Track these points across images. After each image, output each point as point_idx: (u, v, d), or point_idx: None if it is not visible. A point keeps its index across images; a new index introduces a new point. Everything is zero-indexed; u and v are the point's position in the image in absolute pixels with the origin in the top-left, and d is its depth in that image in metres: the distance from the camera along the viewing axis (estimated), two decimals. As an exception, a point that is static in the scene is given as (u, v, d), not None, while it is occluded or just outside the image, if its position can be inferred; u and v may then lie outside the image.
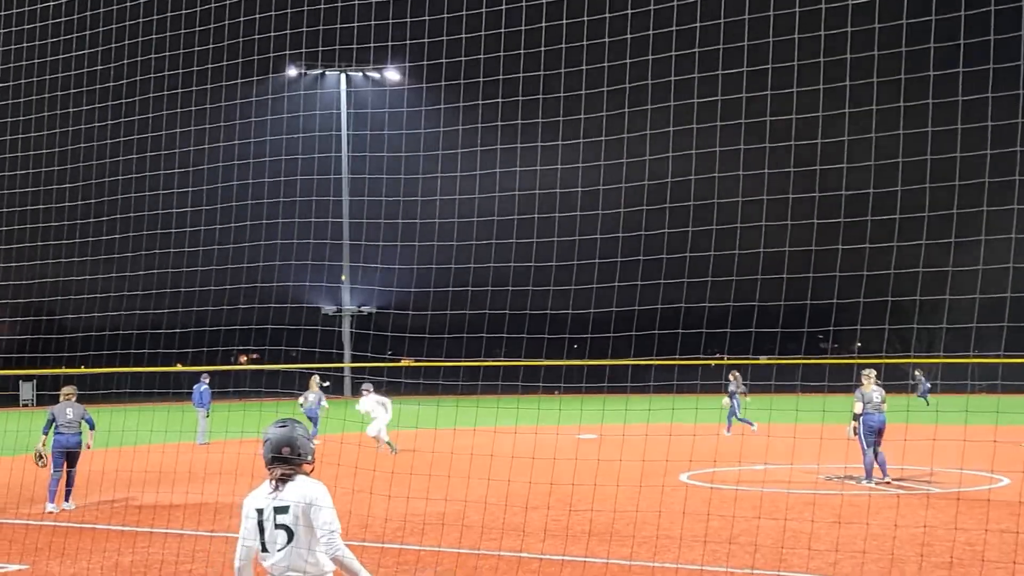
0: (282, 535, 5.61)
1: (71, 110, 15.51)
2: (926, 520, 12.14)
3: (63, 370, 29.88)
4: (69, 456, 15.51)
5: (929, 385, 45.94)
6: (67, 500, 15.46)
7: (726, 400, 28.60)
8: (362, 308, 59.72)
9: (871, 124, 9.80)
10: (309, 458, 5.77)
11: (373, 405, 23.97)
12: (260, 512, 5.68)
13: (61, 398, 15.97)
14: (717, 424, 25.29)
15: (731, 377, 28.55)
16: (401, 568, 10.62)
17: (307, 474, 5.78)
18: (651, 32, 10.00)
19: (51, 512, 15.07)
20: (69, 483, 15.53)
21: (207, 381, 28.08)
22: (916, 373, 46.33)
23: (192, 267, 16.80)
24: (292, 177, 15.08)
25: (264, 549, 5.65)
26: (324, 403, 28.18)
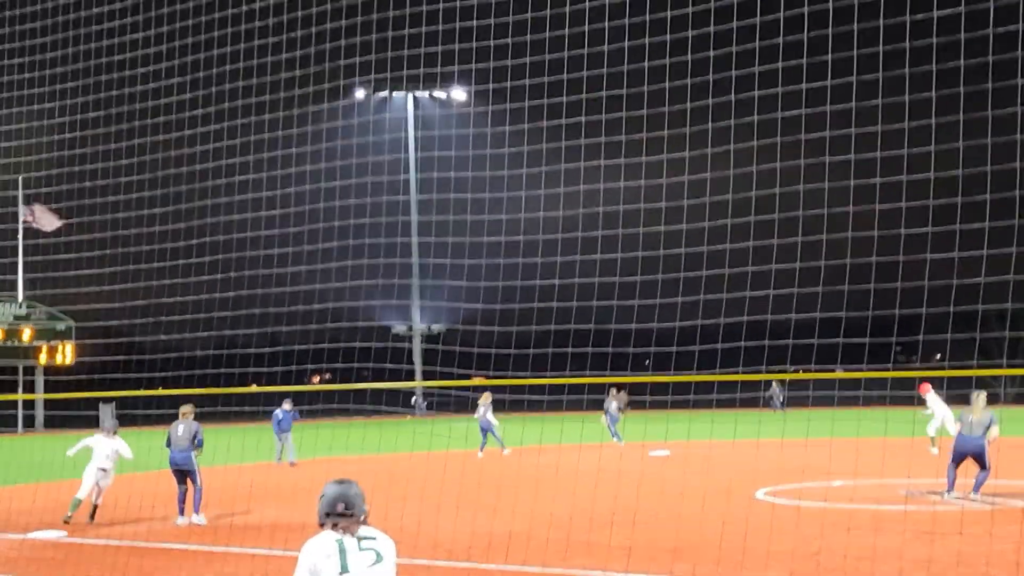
0: (370, 555, 5.77)
1: (147, 139, 15.99)
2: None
3: (141, 391, 30.60)
4: (178, 474, 16.04)
5: (783, 398, 47.67)
6: (196, 513, 15.95)
7: (604, 419, 30.57)
8: (432, 328, 60.13)
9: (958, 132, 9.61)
10: (362, 518, 5.95)
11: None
12: (340, 542, 5.82)
13: (180, 416, 16.45)
14: (785, 439, 25.01)
15: (612, 393, 30.10)
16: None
17: None
18: (711, 52, 10.06)
19: (179, 525, 15.66)
20: (196, 497, 15.99)
21: (287, 407, 27.50)
22: (773, 385, 46.41)
23: (267, 288, 17.15)
24: (362, 200, 15.36)
25: (344, 571, 5.74)
26: (491, 418, 28.73)
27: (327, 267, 16.90)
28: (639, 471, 13.20)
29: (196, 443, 16.09)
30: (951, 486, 16.61)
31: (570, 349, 15.56)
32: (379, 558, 5.79)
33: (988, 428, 16.47)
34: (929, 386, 26.38)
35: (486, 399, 28.55)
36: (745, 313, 11.98)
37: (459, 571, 11.51)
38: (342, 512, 5.90)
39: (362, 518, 5.98)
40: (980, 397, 16.80)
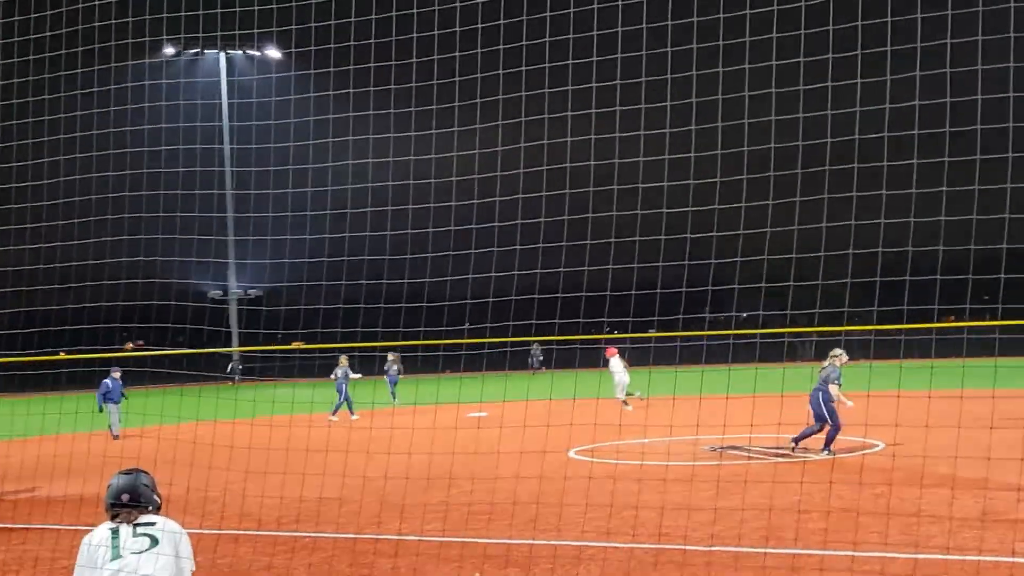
0: (144, 540, 5.68)
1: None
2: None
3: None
4: None
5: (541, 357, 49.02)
6: None
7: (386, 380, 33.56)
8: (249, 292, 58.78)
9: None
10: (150, 508, 5.89)
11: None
12: (114, 531, 5.73)
13: None
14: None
15: (391, 356, 33.18)
16: (295, 555, 10.61)
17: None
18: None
19: None
20: None
21: (118, 375, 26.34)
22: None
23: (82, 261, 16.20)
24: (173, 169, 14.66)
25: (115, 557, 5.61)
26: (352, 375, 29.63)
27: (139, 239, 16.09)
28: (455, 433, 13.26)
29: None
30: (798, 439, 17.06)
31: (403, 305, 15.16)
32: (153, 543, 5.68)
33: (827, 382, 17.22)
34: (615, 350, 28.95)
35: (343, 362, 29.28)
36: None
37: (266, 539, 11.35)
38: (126, 503, 5.82)
39: (151, 508, 5.90)
40: (833, 352, 17.72)
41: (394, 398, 32.72)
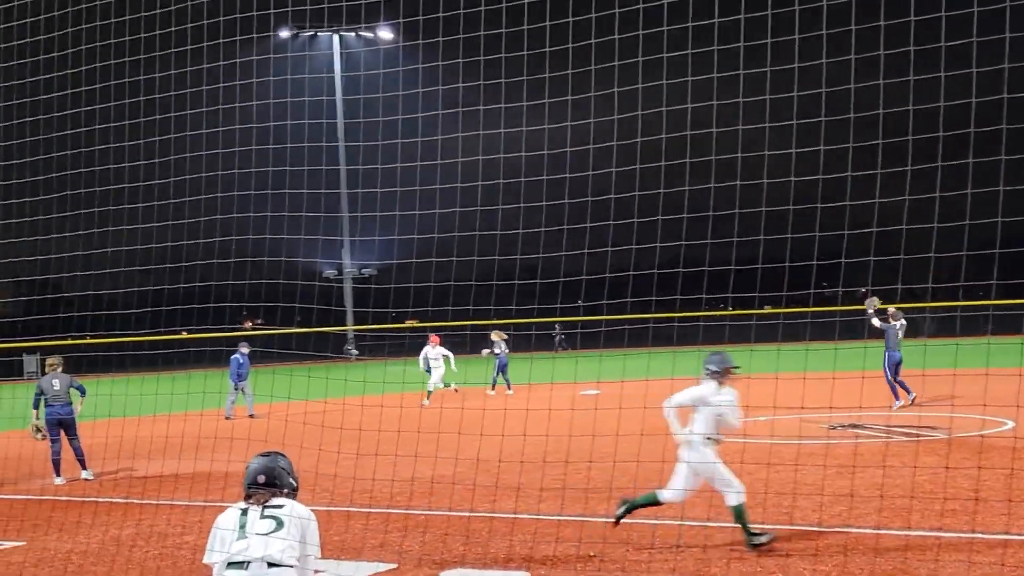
0: (270, 522, 5.69)
1: (64, 73, 15.14)
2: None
3: (67, 342, 29.80)
4: (63, 426, 15.48)
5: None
6: (85, 470, 15.51)
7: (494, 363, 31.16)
8: (363, 271, 59.56)
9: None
10: (286, 491, 5.91)
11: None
12: (244, 511, 5.77)
13: (47, 370, 15.98)
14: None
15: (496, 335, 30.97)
16: (409, 534, 10.56)
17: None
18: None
19: (60, 485, 15.07)
20: (79, 454, 15.50)
21: (246, 351, 26.05)
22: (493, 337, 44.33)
23: (193, 239, 16.43)
24: (282, 145, 14.68)
25: (241, 538, 5.65)
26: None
27: (256, 215, 16.23)
28: (570, 411, 13.06)
29: (81, 392, 15.75)
30: (909, 391, 19.83)
31: (516, 282, 14.89)
32: (279, 525, 5.68)
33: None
34: (438, 339, 28.51)
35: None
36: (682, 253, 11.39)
37: (378, 516, 11.32)
38: (262, 484, 5.87)
39: (286, 491, 5.90)
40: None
41: (505, 383, 30.17)
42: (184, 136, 14.10)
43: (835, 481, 12.01)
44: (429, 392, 26.92)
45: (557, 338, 52.13)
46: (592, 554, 9.34)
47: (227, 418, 24.31)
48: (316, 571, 5.94)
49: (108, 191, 15.62)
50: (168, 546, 10.45)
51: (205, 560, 5.80)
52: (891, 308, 20.86)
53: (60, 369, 15.84)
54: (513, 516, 11.08)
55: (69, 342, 29.50)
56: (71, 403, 15.65)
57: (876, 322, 20.58)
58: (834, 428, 17.29)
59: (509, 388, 29.11)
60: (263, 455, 6.07)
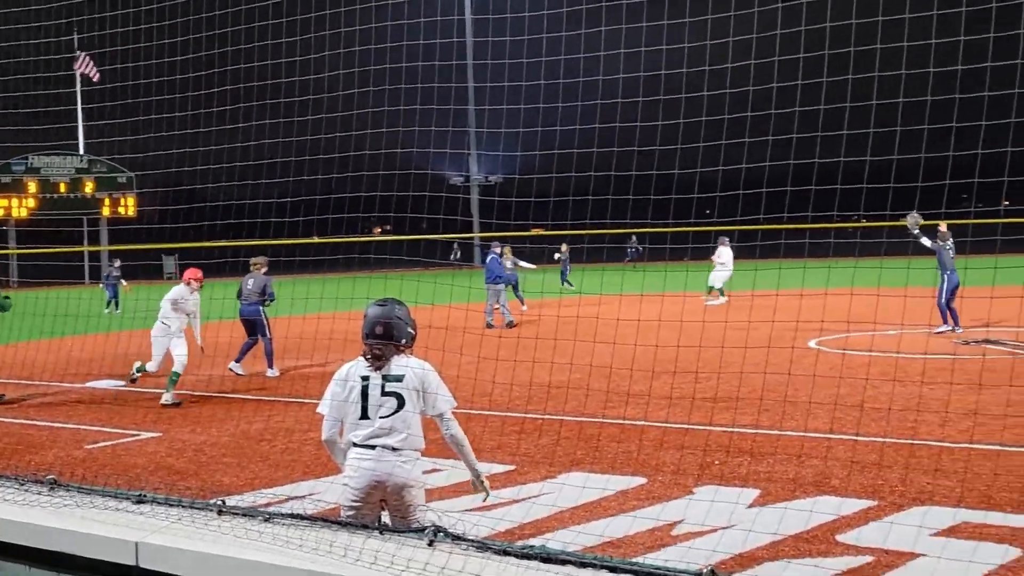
0: (391, 401, 5.54)
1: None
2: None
3: (202, 243, 30.80)
4: (247, 325, 16.02)
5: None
6: (270, 368, 15.97)
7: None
8: (489, 178, 59.63)
9: None
10: (403, 341, 5.66)
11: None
12: (365, 379, 5.59)
13: (251, 268, 16.27)
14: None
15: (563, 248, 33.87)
16: (524, 436, 10.71)
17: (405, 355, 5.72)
18: None
19: (239, 374, 15.70)
20: (266, 350, 15.93)
21: (499, 250, 24.96)
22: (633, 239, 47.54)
23: (329, 154, 16.65)
24: (415, 41, 14.65)
25: (364, 416, 5.55)
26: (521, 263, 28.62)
27: (380, 111, 16.32)
28: (684, 322, 12.93)
29: (268, 297, 15.95)
30: (957, 323, 18.43)
31: (630, 197, 14.77)
32: (400, 405, 5.54)
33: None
34: (727, 239, 28.81)
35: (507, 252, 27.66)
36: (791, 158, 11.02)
37: (495, 419, 11.49)
38: (379, 335, 5.60)
39: (404, 342, 5.66)
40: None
41: (569, 284, 33.11)
42: (323, 56, 14.23)
43: (963, 396, 11.67)
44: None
45: (631, 250, 52.13)
46: (716, 462, 9.32)
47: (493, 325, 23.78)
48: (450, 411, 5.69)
49: (251, 107, 15.96)
50: (294, 441, 10.86)
51: (319, 410, 5.73)
52: (942, 226, 18.66)
53: (261, 270, 16.10)
54: (643, 423, 11.12)
55: (205, 243, 30.54)
56: (259, 303, 15.93)
57: (926, 241, 18.42)
58: (966, 344, 16.73)
59: (523, 304, 28.22)
60: (379, 303, 5.71)
